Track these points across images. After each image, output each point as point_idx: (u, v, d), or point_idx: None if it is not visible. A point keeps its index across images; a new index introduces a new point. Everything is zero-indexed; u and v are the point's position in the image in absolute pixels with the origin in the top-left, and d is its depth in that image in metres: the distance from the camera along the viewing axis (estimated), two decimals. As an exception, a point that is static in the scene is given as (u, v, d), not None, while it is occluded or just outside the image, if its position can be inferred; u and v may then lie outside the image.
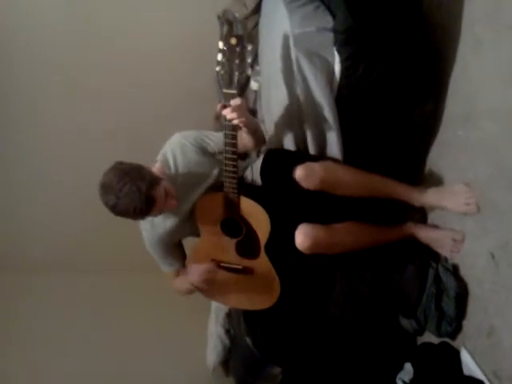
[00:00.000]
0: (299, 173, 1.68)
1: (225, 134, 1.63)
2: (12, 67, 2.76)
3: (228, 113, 1.56)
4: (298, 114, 1.81)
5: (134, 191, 1.55)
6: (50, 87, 2.82)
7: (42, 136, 2.96)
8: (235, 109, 1.56)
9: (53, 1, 2.62)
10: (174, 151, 1.85)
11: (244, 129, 1.70)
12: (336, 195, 1.73)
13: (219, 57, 1.50)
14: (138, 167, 1.64)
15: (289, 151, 1.90)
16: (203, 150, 1.86)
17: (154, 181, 1.62)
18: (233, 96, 1.55)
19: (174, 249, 1.96)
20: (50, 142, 2.97)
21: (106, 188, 1.59)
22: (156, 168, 1.80)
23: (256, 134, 1.82)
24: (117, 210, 1.59)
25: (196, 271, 1.86)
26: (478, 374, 1.54)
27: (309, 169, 1.69)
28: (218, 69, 1.52)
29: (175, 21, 2.70)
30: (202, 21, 2.50)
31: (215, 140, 1.87)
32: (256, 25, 2.24)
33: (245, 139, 1.80)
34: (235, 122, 1.59)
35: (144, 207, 1.58)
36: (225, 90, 1.55)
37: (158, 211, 1.68)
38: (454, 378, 1.60)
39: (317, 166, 1.70)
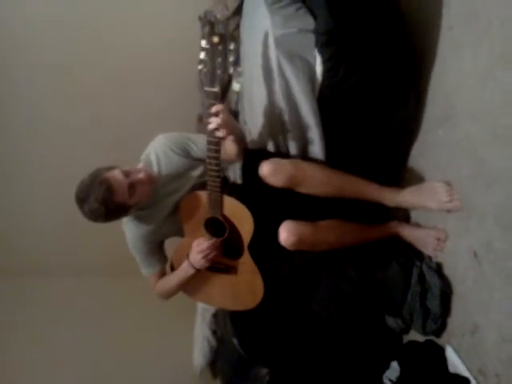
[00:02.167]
0: (264, 169, 1.67)
1: (208, 133, 1.60)
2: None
3: (216, 125, 1.54)
4: (279, 115, 1.81)
5: (88, 184, 1.63)
6: (38, 86, 2.81)
7: (41, 136, 2.96)
8: (222, 125, 1.54)
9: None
10: (157, 153, 1.85)
11: (230, 137, 1.66)
12: (301, 194, 1.72)
13: (202, 55, 1.50)
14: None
15: (264, 151, 1.88)
16: (186, 154, 1.86)
17: (103, 169, 1.67)
18: (215, 94, 1.54)
19: (156, 250, 1.95)
20: (50, 143, 2.98)
21: (77, 202, 1.65)
22: (140, 167, 1.81)
23: (241, 142, 1.79)
24: (92, 213, 1.63)
25: (196, 250, 1.83)
26: (464, 371, 1.55)
27: (276, 165, 1.68)
28: (200, 67, 1.52)
29: (158, 21, 2.69)
30: (185, 22, 2.49)
31: (199, 144, 1.87)
32: (237, 26, 2.23)
33: (229, 148, 1.76)
34: (219, 133, 1.56)
35: (103, 192, 1.60)
36: (206, 89, 1.54)
37: (124, 196, 1.66)
38: (439, 376, 1.61)
39: (286, 163, 1.70)
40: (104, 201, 1.60)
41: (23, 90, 2.82)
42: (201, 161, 1.87)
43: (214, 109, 1.53)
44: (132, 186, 1.67)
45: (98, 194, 1.59)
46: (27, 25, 2.63)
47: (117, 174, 1.65)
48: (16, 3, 2.59)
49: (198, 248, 1.82)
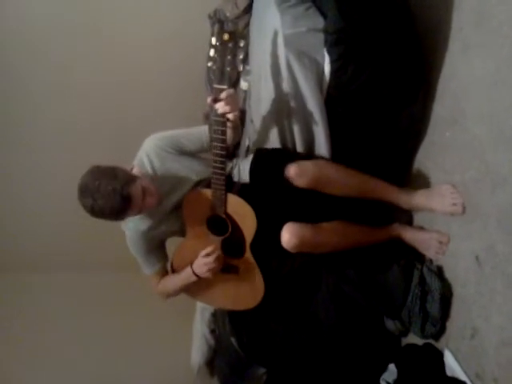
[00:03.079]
0: (291, 170, 1.68)
1: (213, 130, 1.62)
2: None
3: (221, 106, 1.55)
4: (287, 114, 1.82)
5: (109, 191, 1.56)
6: (36, 84, 2.82)
7: (42, 133, 2.96)
8: (229, 101, 1.55)
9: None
10: (149, 155, 1.83)
11: (230, 124, 1.68)
12: (325, 194, 1.74)
13: (211, 52, 1.51)
14: (112, 168, 1.65)
15: (279, 150, 1.89)
16: (179, 151, 1.85)
17: (129, 179, 1.62)
18: (223, 91, 1.55)
19: (157, 248, 1.94)
20: (49, 141, 2.98)
21: (82, 191, 1.60)
22: (135, 171, 1.80)
23: (237, 128, 1.82)
24: (94, 211, 1.59)
25: (202, 262, 1.83)
26: (461, 375, 1.55)
27: (301, 167, 1.70)
28: (209, 64, 1.53)
29: (165, 19, 2.70)
30: (192, 19, 2.50)
31: (191, 138, 1.86)
32: (247, 25, 2.24)
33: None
34: (229, 115, 1.58)
35: (120, 206, 1.58)
36: (216, 86, 1.55)
37: (135, 210, 1.66)
38: (437, 380, 1.61)
39: (309, 164, 1.71)
40: (118, 212, 1.60)
41: (25, 88, 2.82)
42: (194, 156, 1.88)
43: (225, 93, 1.54)
44: (143, 208, 1.69)
45: (115, 205, 1.57)
46: (27, 21, 2.64)
47: (139, 193, 1.63)
48: (16, 1, 2.61)
49: (205, 260, 1.82)
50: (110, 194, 1.56)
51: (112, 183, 1.57)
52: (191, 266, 1.87)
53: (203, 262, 1.82)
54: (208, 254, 1.81)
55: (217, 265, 1.82)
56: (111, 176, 1.60)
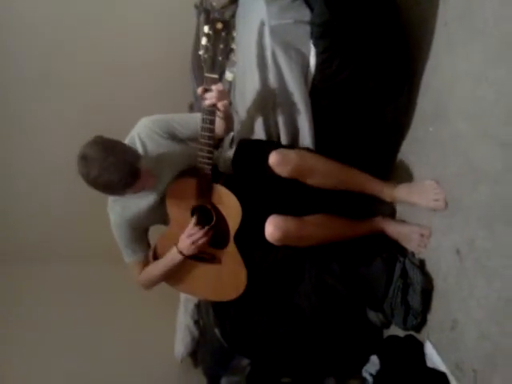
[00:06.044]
0: (274, 158, 1.67)
1: (202, 119, 1.61)
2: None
3: (210, 97, 1.55)
4: (272, 105, 1.82)
5: (120, 162, 1.53)
6: (25, 74, 2.80)
7: (38, 126, 2.94)
8: (219, 93, 1.55)
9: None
10: (140, 137, 1.80)
11: (220, 114, 1.68)
12: (308, 186, 1.73)
13: (204, 41, 1.51)
14: (120, 141, 1.64)
15: (262, 140, 1.89)
16: (172, 135, 1.83)
17: (137, 154, 1.62)
18: (214, 80, 1.55)
19: (141, 235, 1.91)
20: (49, 131, 2.97)
21: (87, 159, 1.53)
22: None
23: (229, 119, 1.81)
24: (99, 181, 1.54)
25: (185, 235, 1.81)
26: (441, 366, 1.57)
27: (284, 155, 1.68)
28: (201, 52, 1.52)
29: (151, 8, 2.68)
30: (177, 10, 2.48)
31: (185, 124, 1.84)
32: (233, 15, 2.23)
33: (217, 125, 1.72)
34: (219, 105, 1.58)
35: (129, 179, 1.56)
36: (207, 74, 1.55)
37: (139, 187, 1.65)
38: (418, 370, 1.63)
39: (292, 153, 1.70)
40: (124, 184, 1.57)
41: (17, 76, 2.81)
42: (185, 143, 1.87)
43: (216, 87, 1.55)
44: (145, 187, 1.70)
45: (123, 177, 1.54)
46: (16, 11, 2.62)
47: (145, 170, 1.62)
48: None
49: (188, 232, 1.80)
50: (121, 166, 1.53)
51: (124, 155, 1.56)
52: (176, 245, 1.84)
53: (187, 234, 1.80)
54: (191, 234, 1.80)
55: (201, 236, 1.79)
56: (122, 148, 1.59)
